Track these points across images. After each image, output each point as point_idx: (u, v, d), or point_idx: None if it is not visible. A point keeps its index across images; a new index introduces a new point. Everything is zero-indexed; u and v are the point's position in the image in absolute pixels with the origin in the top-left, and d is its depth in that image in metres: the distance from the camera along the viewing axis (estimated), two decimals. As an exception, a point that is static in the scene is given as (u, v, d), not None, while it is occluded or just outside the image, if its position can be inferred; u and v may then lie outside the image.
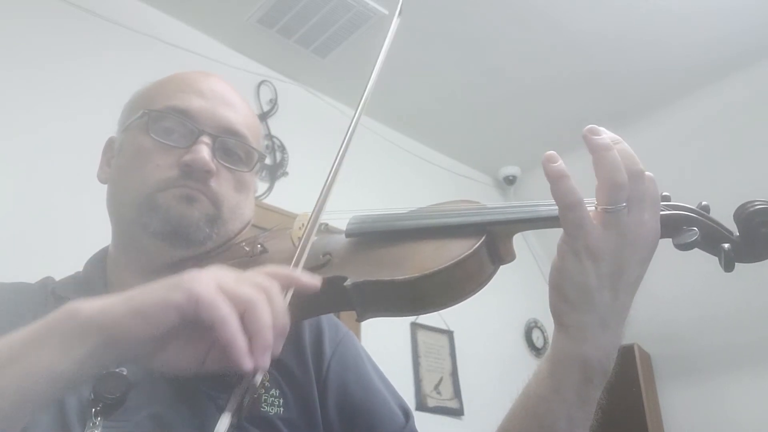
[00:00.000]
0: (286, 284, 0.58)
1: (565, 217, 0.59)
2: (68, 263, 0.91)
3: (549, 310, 0.64)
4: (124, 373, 0.70)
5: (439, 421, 2.96)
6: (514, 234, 0.67)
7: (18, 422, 0.55)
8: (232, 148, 0.83)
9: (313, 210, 0.71)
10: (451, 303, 0.64)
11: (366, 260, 0.69)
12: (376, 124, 3.34)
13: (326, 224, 0.82)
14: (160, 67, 0.94)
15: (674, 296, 3.43)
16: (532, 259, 3.57)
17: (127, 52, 2.45)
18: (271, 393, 0.74)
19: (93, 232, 0.98)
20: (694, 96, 3.18)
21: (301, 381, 0.77)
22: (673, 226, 0.62)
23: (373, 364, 0.87)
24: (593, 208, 0.60)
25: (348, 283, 0.65)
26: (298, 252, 0.65)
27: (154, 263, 0.80)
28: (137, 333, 0.53)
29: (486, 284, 0.65)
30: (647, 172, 0.61)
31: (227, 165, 0.82)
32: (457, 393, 3.09)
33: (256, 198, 2.73)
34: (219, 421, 0.54)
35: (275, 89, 2.94)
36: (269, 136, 2.85)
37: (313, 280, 0.60)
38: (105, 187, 0.86)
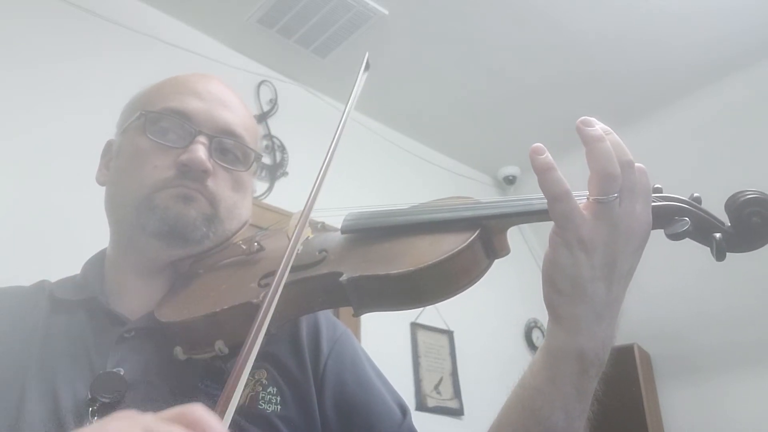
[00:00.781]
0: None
1: (553, 208, 0.59)
2: (67, 264, 0.91)
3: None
4: (122, 373, 0.70)
5: (439, 421, 2.96)
6: (508, 228, 0.68)
7: None
8: (228, 148, 0.84)
9: (302, 211, 0.71)
10: (447, 296, 0.64)
11: (361, 256, 0.69)
12: (376, 124, 3.34)
13: (323, 223, 0.82)
14: (160, 67, 0.94)
15: (674, 296, 3.44)
16: (532, 260, 3.57)
17: (127, 52, 2.45)
18: (268, 391, 0.75)
19: (92, 233, 0.98)
20: (694, 96, 3.18)
21: (299, 379, 0.77)
22: (664, 217, 0.62)
23: (370, 361, 0.87)
24: (585, 199, 0.60)
25: (344, 278, 0.65)
26: (286, 255, 0.65)
27: (152, 264, 0.81)
28: None
29: (481, 278, 0.66)
30: (638, 164, 0.61)
31: (224, 165, 0.83)
32: (457, 393, 3.09)
33: (256, 198, 2.74)
34: None
35: (275, 89, 2.94)
36: (269, 136, 2.85)
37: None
38: (103, 188, 0.87)
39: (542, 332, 3.65)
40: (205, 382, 0.73)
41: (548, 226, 0.62)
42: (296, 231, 0.68)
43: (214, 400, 0.71)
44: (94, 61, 2.36)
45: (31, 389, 0.70)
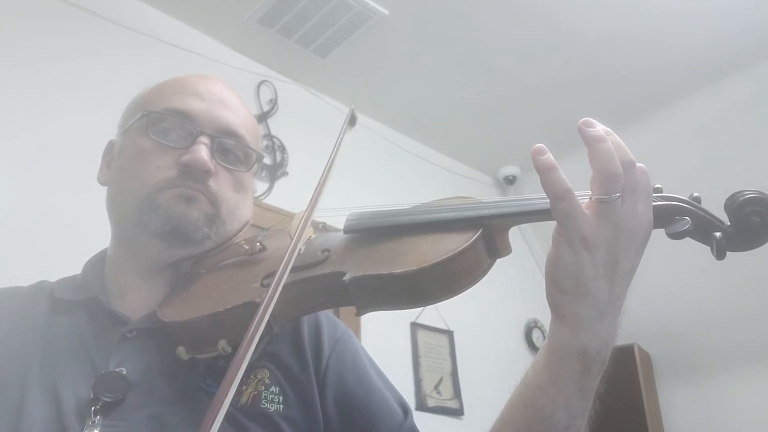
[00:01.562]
0: None
1: (556, 207, 0.59)
2: (68, 264, 0.91)
3: (549, 309, 0.64)
4: (124, 373, 0.70)
5: (439, 421, 2.96)
6: (510, 227, 0.68)
7: None
8: (230, 148, 0.84)
9: (304, 211, 0.71)
10: (449, 296, 0.65)
11: (364, 255, 0.69)
12: (377, 124, 3.34)
13: (324, 223, 0.83)
14: (160, 67, 0.94)
15: (674, 296, 3.44)
16: (532, 260, 3.57)
17: (127, 52, 2.45)
18: (271, 390, 0.75)
19: (92, 233, 0.98)
20: (694, 96, 3.18)
21: (301, 378, 0.77)
22: (665, 216, 0.63)
23: (371, 361, 0.87)
24: (587, 199, 0.61)
25: (347, 278, 0.65)
26: (287, 254, 0.65)
27: (154, 264, 0.81)
28: None
29: (483, 277, 0.66)
30: (639, 164, 0.61)
31: (226, 165, 0.83)
32: (457, 393, 3.09)
33: (257, 198, 2.74)
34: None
35: (275, 89, 2.94)
36: (269, 136, 2.85)
37: None
38: (105, 188, 0.87)
39: (542, 332, 3.65)
40: (207, 382, 0.73)
41: (549, 226, 0.62)
42: (298, 230, 0.68)
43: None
44: (94, 61, 2.36)
45: (32, 390, 0.70)
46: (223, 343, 0.69)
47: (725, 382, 3.42)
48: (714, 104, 3.15)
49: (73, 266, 0.89)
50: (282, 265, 0.65)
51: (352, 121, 0.85)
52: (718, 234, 0.60)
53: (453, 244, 0.64)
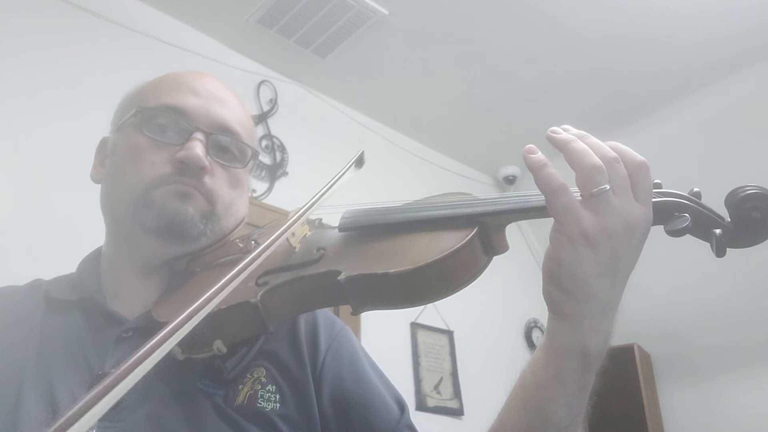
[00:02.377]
0: None
1: (552, 203, 0.59)
2: (67, 264, 0.91)
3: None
4: None
5: (439, 421, 2.96)
6: (506, 225, 0.68)
7: None
8: (225, 145, 0.83)
9: (298, 209, 0.71)
10: (445, 295, 0.64)
11: (359, 254, 0.69)
12: (377, 124, 3.34)
13: (320, 220, 0.82)
14: (159, 67, 0.94)
15: (674, 297, 3.44)
16: (532, 259, 3.57)
17: (127, 52, 2.45)
18: (267, 389, 0.74)
19: (91, 231, 0.98)
20: (694, 96, 3.18)
21: (298, 376, 0.77)
22: (664, 213, 0.62)
23: (368, 358, 0.87)
24: (580, 197, 0.60)
25: (342, 277, 0.65)
26: (266, 243, 0.64)
27: (149, 261, 0.81)
28: None
29: (479, 275, 0.65)
30: (641, 158, 0.61)
31: (221, 162, 0.82)
32: (457, 393, 3.09)
33: (256, 198, 2.73)
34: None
35: (275, 89, 2.94)
36: (269, 136, 2.85)
37: None
38: (99, 186, 0.86)
39: (542, 332, 3.63)
40: (203, 382, 0.72)
41: (548, 224, 0.62)
42: (285, 226, 0.67)
43: (213, 400, 0.71)
44: (94, 61, 2.36)
45: (28, 391, 0.70)
46: (218, 344, 0.69)
47: (725, 382, 3.42)
48: (714, 104, 3.14)
49: (72, 265, 0.89)
50: (258, 250, 0.63)
51: (359, 163, 0.85)
52: (718, 231, 0.60)
53: (449, 242, 0.63)
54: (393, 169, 3.29)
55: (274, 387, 0.75)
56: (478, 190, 3.73)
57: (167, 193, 0.77)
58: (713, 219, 0.62)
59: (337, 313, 0.94)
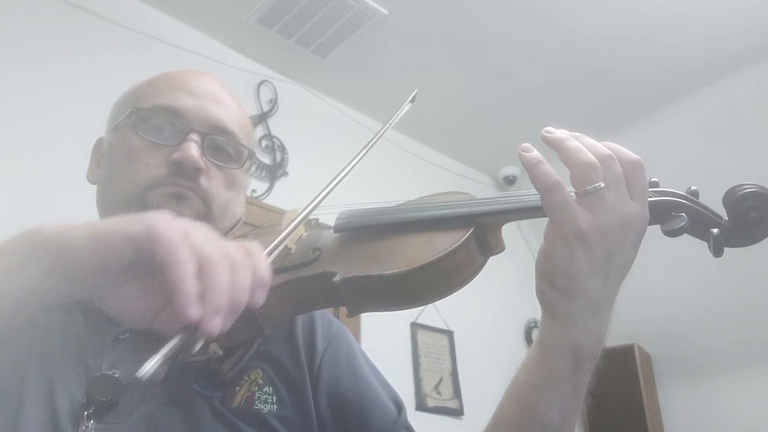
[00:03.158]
0: (253, 268, 0.55)
1: (547, 200, 0.59)
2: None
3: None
4: (117, 376, 0.69)
5: (439, 421, 2.96)
6: (502, 224, 0.67)
7: None
8: (221, 145, 0.83)
9: (296, 209, 0.70)
10: (442, 296, 0.64)
11: (355, 255, 0.68)
12: (377, 124, 3.34)
13: (317, 220, 0.82)
14: (159, 67, 0.93)
15: (674, 296, 3.44)
16: (531, 259, 3.54)
17: (127, 52, 2.45)
18: (264, 390, 0.74)
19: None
20: (694, 96, 3.18)
21: (295, 377, 0.77)
22: (661, 213, 0.61)
23: (366, 358, 0.86)
24: (575, 195, 0.60)
25: (337, 278, 0.64)
26: (272, 246, 0.64)
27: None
28: (91, 258, 0.52)
29: (476, 276, 0.65)
30: (636, 157, 0.61)
31: (217, 162, 0.82)
32: (457, 393, 3.09)
33: (257, 198, 2.73)
34: (146, 363, 0.50)
35: (275, 89, 2.94)
36: (269, 136, 2.85)
37: (263, 294, 0.56)
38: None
39: (542, 332, 3.65)
40: (200, 384, 0.72)
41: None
42: (285, 231, 0.67)
43: (210, 402, 0.71)
44: (94, 61, 2.36)
45: (29, 391, 0.69)
46: (214, 347, 0.69)
47: (725, 382, 3.42)
48: (714, 104, 3.14)
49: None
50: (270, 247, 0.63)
51: (413, 100, 0.84)
52: (715, 230, 0.59)
53: (444, 243, 0.62)
54: (393, 169, 3.29)
55: (271, 388, 0.75)
56: (478, 190, 3.73)
57: (162, 195, 0.77)
58: (711, 218, 0.61)
59: (336, 314, 0.93)
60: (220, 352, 0.69)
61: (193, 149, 0.77)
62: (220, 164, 0.82)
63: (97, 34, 2.42)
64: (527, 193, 0.64)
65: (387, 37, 2.81)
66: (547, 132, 0.62)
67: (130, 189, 0.78)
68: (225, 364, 0.73)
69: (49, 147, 2.14)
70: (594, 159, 0.59)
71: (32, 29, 2.27)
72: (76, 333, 0.76)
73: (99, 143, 0.89)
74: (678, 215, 0.60)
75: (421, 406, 2.90)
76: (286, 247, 0.75)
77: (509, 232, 0.68)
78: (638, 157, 0.61)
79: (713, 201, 0.64)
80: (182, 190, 0.78)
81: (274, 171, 2.81)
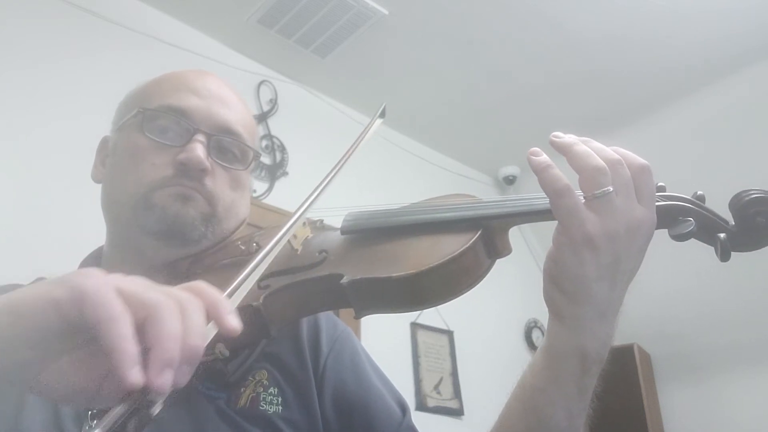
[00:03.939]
0: (209, 309, 0.48)
1: (556, 204, 0.59)
2: (67, 263, 0.91)
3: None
4: None
5: (439, 421, 2.96)
6: (509, 228, 0.67)
7: None
8: (227, 146, 0.83)
9: (296, 211, 0.70)
10: (449, 298, 0.64)
11: (362, 257, 0.68)
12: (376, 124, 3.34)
13: (321, 221, 0.81)
14: (159, 67, 0.93)
15: (674, 296, 3.44)
16: (532, 260, 3.57)
17: (127, 52, 2.45)
18: (269, 392, 0.74)
19: (91, 231, 0.98)
20: (694, 96, 3.18)
21: (300, 378, 0.77)
22: (668, 217, 0.61)
23: (370, 360, 0.87)
24: (583, 200, 0.60)
25: (345, 280, 0.64)
26: (233, 285, 0.60)
27: (150, 263, 0.80)
28: (11, 334, 0.44)
29: (483, 278, 0.65)
30: (643, 161, 0.61)
31: (222, 163, 0.81)
32: (457, 393, 3.09)
33: (257, 198, 2.73)
34: None
35: (275, 89, 2.94)
36: (269, 136, 2.85)
37: (233, 324, 0.48)
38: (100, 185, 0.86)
39: (542, 332, 3.65)
40: (205, 385, 0.72)
41: (549, 226, 0.61)
42: (284, 230, 0.66)
43: (215, 403, 0.71)
44: (94, 61, 2.36)
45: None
46: (220, 347, 0.68)
47: (725, 382, 3.42)
48: (714, 104, 3.14)
49: (73, 264, 0.89)
50: (262, 254, 0.62)
51: (382, 114, 0.83)
52: (722, 235, 0.59)
53: (452, 245, 0.62)
54: (393, 169, 3.29)
55: (276, 389, 0.75)
56: (478, 190, 3.73)
57: (168, 196, 0.77)
58: (718, 223, 0.61)
59: (338, 314, 0.93)
60: (227, 353, 0.68)
61: (199, 150, 0.77)
62: (226, 165, 0.82)
63: (97, 34, 2.42)
64: (535, 196, 0.64)
65: (387, 37, 2.81)
66: (556, 137, 0.62)
67: (135, 189, 0.78)
68: (230, 365, 0.73)
69: (49, 147, 2.14)
70: (603, 163, 0.59)
71: (32, 29, 2.26)
72: None
73: (104, 142, 0.89)
74: (685, 220, 0.60)
75: (421, 406, 2.90)
76: (292, 248, 0.75)
77: (510, 231, 0.68)
78: (646, 162, 0.61)
79: (714, 201, 0.64)
80: (188, 190, 0.77)
81: (274, 171, 2.81)
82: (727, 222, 0.62)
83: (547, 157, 0.60)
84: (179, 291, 0.48)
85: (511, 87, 3.16)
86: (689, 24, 2.75)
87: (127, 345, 0.42)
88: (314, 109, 3.09)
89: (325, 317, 0.85)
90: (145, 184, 0.77)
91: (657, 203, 0.61)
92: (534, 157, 0.60)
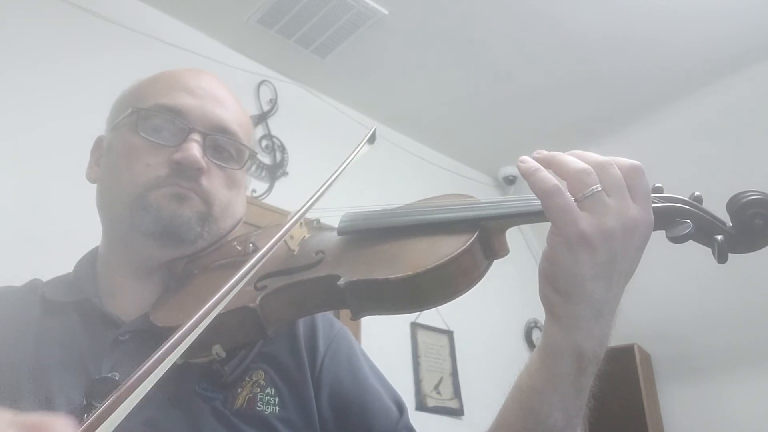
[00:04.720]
0: None
1: (548, 204, 0.59)
2: (66, 263, 0.91)
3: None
4: (117, 378, 0.69)
5: (439, 421, 2.96)
6: (507, 228, 0.67)
7: None
8: (222, 145, 0.82)
9: (295, 211, 0.70)
10: (446, 300, 0.63)
11: (359, 258, 0.68)
12: (376, 124, 3.34)
13: (318, 220, 0.81)
14: (159, 67, 0.93)
15: (674, 296, 3.44)
16: (532, 260, 3.56)
17: (127, 52, 2.44)
18: (266, 392, 0.74)
19: (91, 232, 0.98)
20: (694, 96, 3.17)
21: (297, 378, 0.77)
22: (666, 218, 0.61)
23: (367, 359, 0.86)
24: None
25: (341, 282, 0.64)
26: (263, 250, 0.61)
27: (146, 263, 0.80)
28: None
29: (480, 279, 0.65)
30: (635, 162, 0.61)
31: (218, 163, 0.81)
32: (457, 393, 3.09)
33: (256, 198, 2.73)
34: None
35: (275, 89, 2.94)
36: (269, 136, 2.85)
37: None
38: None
39: (542, 332, 3.64)
40: (202, 386, 0.72)
41: (549, 226, 0.61)
42: (282, 231, 0.66)
43: (212, 404, 0.71)
44: (94, 61, 2.36)
45: (25, 395, 0.69)
46: (217, 348, 0.68)
47: (725, 382, 3.42)
48: (714, 104, 3.14)
49: (71, 265, 0.89)
50: (256, 258, 0.62)
51: (371, 139, 0.84)
52: (719, 237, 0.59)
53: (449, 247, 0.62)
54: (393, 169, 3.29)
55: (273, 390, 0.74)
56: (478, 190, 3.74)
57: (163, 196, 0.77)
58: (715, 225, 0.61)
59: (337, 316, 0.93)
60: (223, 354, 0.68)
61: (194, 149, 0.77)
62: (222, 164, 0.82)
63: (97, 34, 2.42)
64: (533, 197, 0.64)
65: (387, 37, 2.81)
66: (537, 153, 0.63)
67: (130, 189, 0.77)
68: (227, 365, 0.73)
69: (49, 147, 2.13)
70: (585, 165, 0.60)
71: (32, 29, 2.26)
72: (73, 335, 0.76)
73: (99, 142, 0.89)
74: (683, 222, 0.60)
75: (421, 406, 2.90)
76: (289, 249, 0.74)
77: (510, 231, 0.68)
78: (637, 162, 0.61)
79: (713, 201, 0.64)
80: (183, 190, 0.77)
81: (274, 171, 2.81)
82: (724, 224, 0.61)
83: (535, 162, 0.61)
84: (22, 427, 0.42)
85: (511, 87, 3.16)
86: (689, 24, 2.75)
87: None
88: (314, 109, 3.09)
89: (322, 317, 0.85)
90: (140, 184, 0.77)
91: (654, 205, 0.61)
92: (522, 164, 0.61)
